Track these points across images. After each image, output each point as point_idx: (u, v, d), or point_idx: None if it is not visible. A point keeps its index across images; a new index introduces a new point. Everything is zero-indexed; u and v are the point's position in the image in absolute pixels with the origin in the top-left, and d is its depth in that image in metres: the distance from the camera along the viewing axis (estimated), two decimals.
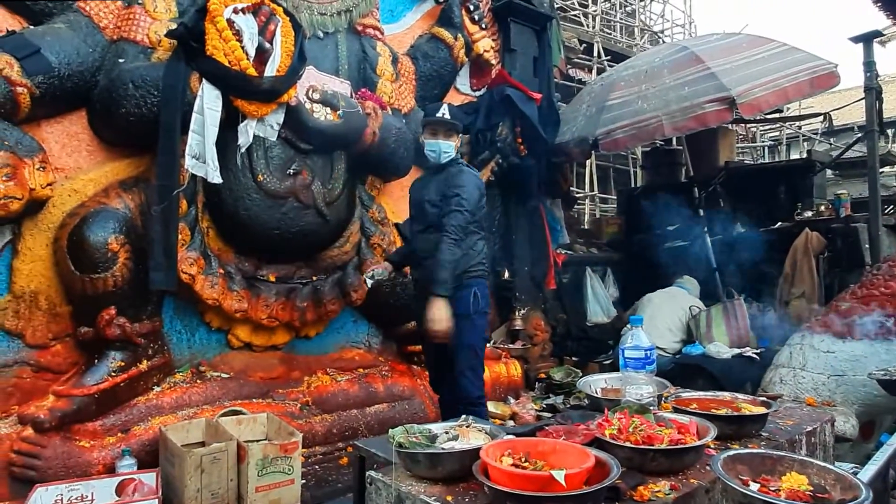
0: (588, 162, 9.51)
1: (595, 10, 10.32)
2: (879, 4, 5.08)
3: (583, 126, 4.86)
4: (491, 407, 3.64)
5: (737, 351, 4.47)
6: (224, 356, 3.32)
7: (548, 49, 4.85)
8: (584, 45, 9.15)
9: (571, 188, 6.47)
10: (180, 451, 2.53)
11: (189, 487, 2.47)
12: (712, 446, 1.60)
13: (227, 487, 2.57)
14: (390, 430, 1.51)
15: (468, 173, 2.87)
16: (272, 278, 3.35)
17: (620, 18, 11.21)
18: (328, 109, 3.32)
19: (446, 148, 2.86)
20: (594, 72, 8.99)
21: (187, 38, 2.76)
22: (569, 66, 8.15)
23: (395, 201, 3.96)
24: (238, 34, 2.77)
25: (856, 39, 5.03)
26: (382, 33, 3.81)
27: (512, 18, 4.64)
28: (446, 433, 1.55)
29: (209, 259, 3.12)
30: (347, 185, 3.51)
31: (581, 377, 3.54)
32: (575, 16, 10.02)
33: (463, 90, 4.44)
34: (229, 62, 2.75)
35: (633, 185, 9.80)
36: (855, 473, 1.40)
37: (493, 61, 4.48)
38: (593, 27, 10.05)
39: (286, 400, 3.35)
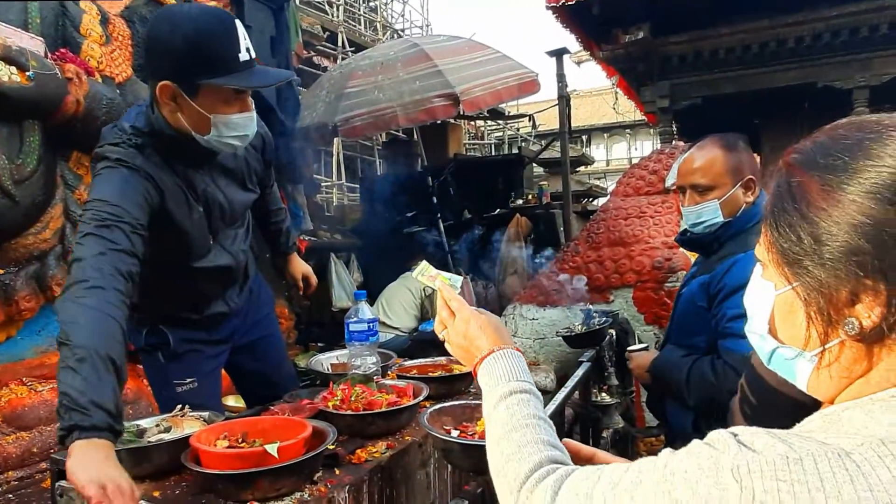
0: (335, 150, 9.59)
1: (339, 0, 10.40)
2: (569, 30, 6.08)
3: (322, 112, 4.89)
4: (231, 401, 3.49)
5: None
6: None
7: (286, 30, 4.74)
8: (328, 33, 9.17)
9: (315, 175, 6.47)
10: None
11: None
12: (427, 405, 1.76)
13: None
14: None
15: None
16: None
17: (364, 12, 11.49)
18: (13, 69, 2.80)
19: None
20: (338, 60, 9.07)
21: None
22: (312, 53, 8.09)
23: None
24: None
25: (551, 54, 5.96)
26: None
27: None
28: (157, 426, 1.44)
29: None
30: (44, 162, 3.00)
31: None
32: (319, 3, 9.98)
33: None
34: None
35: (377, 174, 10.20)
36: None
37: None
38: (337, 17, 10.12)
39: None
